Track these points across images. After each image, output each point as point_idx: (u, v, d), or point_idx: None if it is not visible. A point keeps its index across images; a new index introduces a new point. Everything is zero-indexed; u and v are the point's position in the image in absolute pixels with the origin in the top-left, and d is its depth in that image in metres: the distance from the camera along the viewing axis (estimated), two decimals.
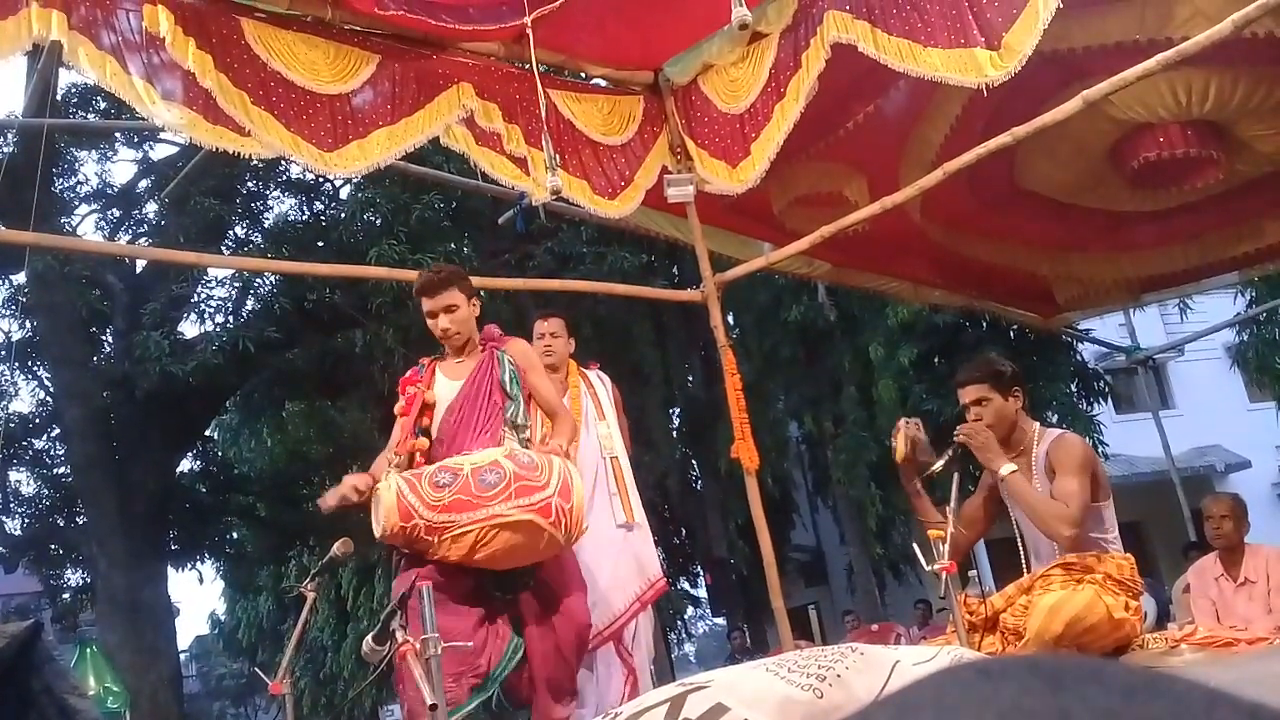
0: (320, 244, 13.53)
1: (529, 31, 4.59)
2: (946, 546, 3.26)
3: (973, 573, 4.43)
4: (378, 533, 3.31)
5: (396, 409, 3.85)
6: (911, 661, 1.77)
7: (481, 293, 4.18)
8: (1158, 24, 4.68)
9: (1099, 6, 4.74)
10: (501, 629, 3.46)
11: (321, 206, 15.24)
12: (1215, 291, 9.84)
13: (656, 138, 5.31)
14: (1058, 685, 0.34)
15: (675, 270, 14.45)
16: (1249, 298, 13.24)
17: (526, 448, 3.64)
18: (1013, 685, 0.35)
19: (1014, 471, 3.71)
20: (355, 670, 17.07)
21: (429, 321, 3.82)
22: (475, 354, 3.86)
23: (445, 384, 3.82)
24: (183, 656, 18.39)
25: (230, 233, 14.37)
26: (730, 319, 14.68)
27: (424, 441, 3.72)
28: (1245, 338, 15.29)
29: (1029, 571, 3.79)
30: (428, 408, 3.77)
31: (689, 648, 28.34)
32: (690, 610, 23.74)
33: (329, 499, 3.55)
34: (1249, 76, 5.15)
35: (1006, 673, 0.36)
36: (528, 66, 4.72)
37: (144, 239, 14.56)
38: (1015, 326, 12.20)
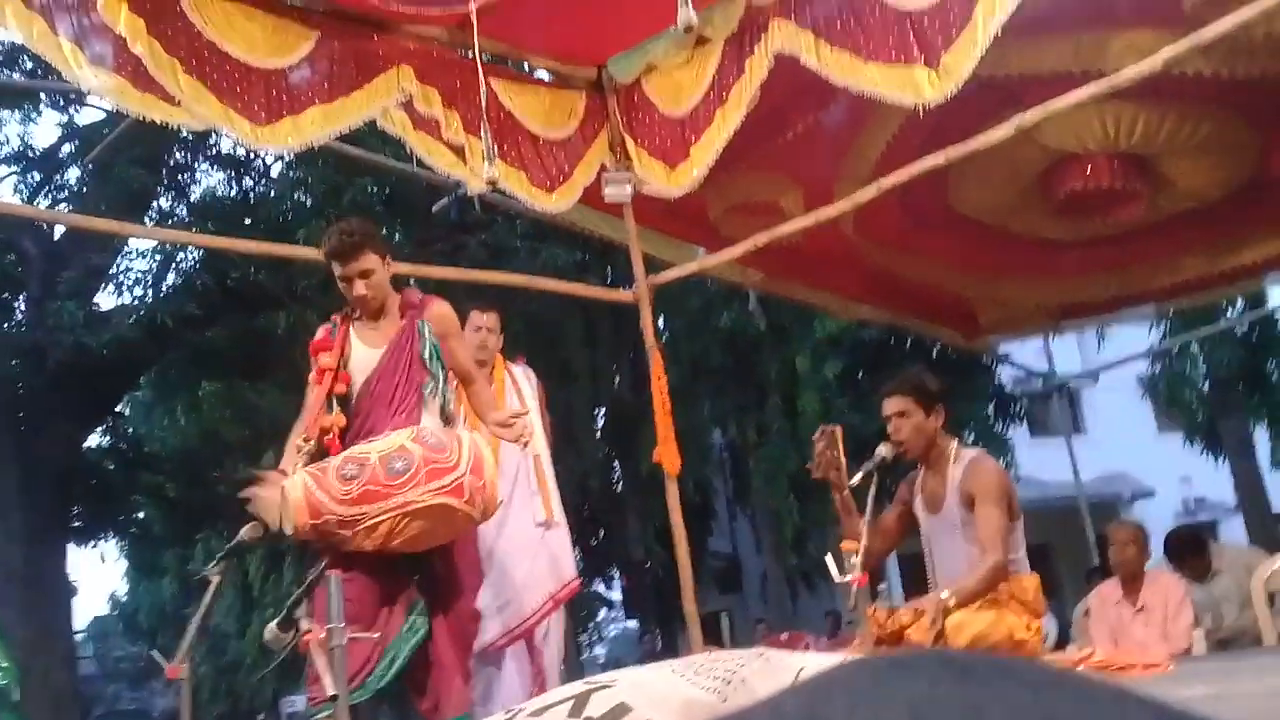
0: (248, 221, 13.26)
1: (473, 18, 4.53)
2: (859, 559, 3.29)
3: (883, 586, 4.47)
4: (287, 530, 3.19)
5: (310, 377, 3.67)
6: (816, 669, 1.78)
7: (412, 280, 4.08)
8: (1092, 56, 4.79)
9: (1036, 36, 4.83)
10: (399, 609, 3.41)
11: (251, 183, 14.91)
12: (1131, 322, 10.11)
13: (597, 135, 5.27)
14: (969, 678, 0.33)
15: (608, 270, 14.40)
16: (1163, 330, 13.63)
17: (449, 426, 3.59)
18: (925, 676, 0.34)
19: (952, 598, 3.60)
20: (258, 658, 16.77)
21: (341, 285, 3.62)
22: (394, 319, 3.68)
23: (362, 351, 3.64)
24: (79, 637, 17.89)
25: (154, 204, 14.04)
26: (661, 322, 14.68)
27: (340, 417, 3.56)
28: (1157, 369, 15.75)
29: (935, 588, 3.85)
30: (343, 374, 3.63)
31: (599, 650, 28.30)
32: (604, 612, 23.74)
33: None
34: (1175, 113, 5.30)
35: (919, 664, 0.35)
36: (470, 54, 4.66)
37: (64, 205, 14.14)
38: (938, 346, 12.40)
